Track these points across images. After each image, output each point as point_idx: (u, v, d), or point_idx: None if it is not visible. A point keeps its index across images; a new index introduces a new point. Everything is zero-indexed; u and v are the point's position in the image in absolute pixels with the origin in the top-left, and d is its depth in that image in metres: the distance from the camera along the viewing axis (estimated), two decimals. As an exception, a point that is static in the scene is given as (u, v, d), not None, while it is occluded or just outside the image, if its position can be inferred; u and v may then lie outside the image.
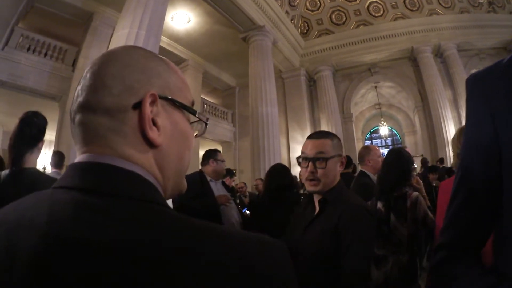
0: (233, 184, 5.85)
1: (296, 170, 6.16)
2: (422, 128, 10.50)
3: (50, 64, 6.54)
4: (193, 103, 0.46)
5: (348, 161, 3.52)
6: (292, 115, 10.56)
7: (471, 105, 0.53)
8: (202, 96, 10.54)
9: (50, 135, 1.54)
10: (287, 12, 10.08)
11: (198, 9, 7.65)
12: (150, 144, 0.38)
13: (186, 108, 0.43)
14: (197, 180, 2.44)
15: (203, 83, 10.59)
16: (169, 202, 2.39)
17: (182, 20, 8.04)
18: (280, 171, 2.42)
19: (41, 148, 1.41)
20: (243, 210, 3.31)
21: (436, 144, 9.43)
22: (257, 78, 7.80)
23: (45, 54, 6.53)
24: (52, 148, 6.43)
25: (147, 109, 0.37)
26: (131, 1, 4.86)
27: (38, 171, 1.44)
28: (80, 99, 0.38)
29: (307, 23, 11.20)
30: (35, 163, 1.41)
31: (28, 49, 6.27)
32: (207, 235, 0.31)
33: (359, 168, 2.59)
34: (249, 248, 0.32)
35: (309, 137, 1.25)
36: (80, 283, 0.26)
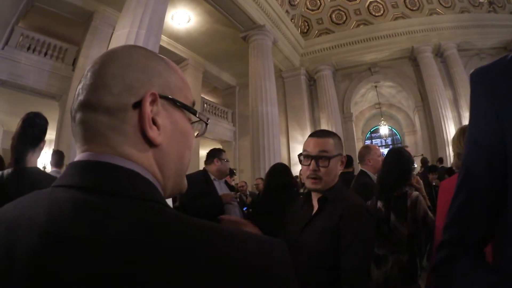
0: (233, 183, 5.85)
1: (296, 170, 6.16)
2: (422, 128, 10.50)
3: (50, 63, 6.54)
4: (193, 103, 0.46)
5: (349, 161, 3.51)
6: (292, 115, 10.55)
7: (475, 101, 0.52)
8: (202, 95, 10.54)
9: (50, 134, 1.58)
10: (287, 11, 10.07)
11: (198, 8, 7.64)
12: (150, 143, 0.38)
13: (186, 108, 0.43)
14: (202, 179, 2.45)
15: (203, 83, 10.59)
16: (169, 202, 2.39)
17: (182, 19, 8.03)
18: (280, 171, 2.42)
19: (42, 148, 1.45)
20: (243, 209, 3.32)
21: (436, 144, 9.43)
22: (257, 78, 7.80)
23: (45, 54, 6.53)
24: (52, 147, 6.43)
25: (147, 108, 0.37)
26: (131, 1, 4.86)
27: (40, 170, 1.48)
28: (80, 98, 0.38)
29: (307, 22, 11.19)
30: (36, 163, 1.44)
31: (28, 48, 6.27)
32: (207, 234, 0.31)
33: (359, 167, 2.58)
34: (249, 247, 0.32)
35: (311, 135, 1.25)
36: (79, 283, 0.26)
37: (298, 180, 3.93)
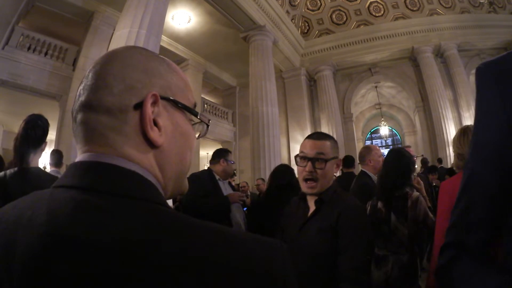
0: (233, 183, 5.85)
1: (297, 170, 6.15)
2: (422, 128, 10.50)
3: (51, 63, 6.54)
4: (195, 105, 0.46)
5: (351, 161, 3.52)
6: (293, 115, 10.56)
7: (482, 95, 0.49)
8: (202, 95, 10.55)
9: (50, 134, 1.62)
10: (287, 11, 10.07)
11: (199, 8, 7.65)
12: (151, 144, 0.38)
13: (187, 109, 0.43)
14: (207, 179, 2.45)
15: (204, 83, 10.60)
16: (169, 202, 2.39)
17: (183, 19, 8.04)
18: (283, 171, 2.43)
19: (44, 149, 1.52)
20: (244, 209, 3.31)
21: (436, 144, 9.43)
22: (257, 78, 7.80)
23: (46, 53, 6.53)
24: (52, 147, 6.43)
25: (148, 109, 0.37)
26: (131, 1, 4.86)
27: (41, 170, 1.55)
28: (82, 98, 0.38)
29: (307, 22, 11.20)
30: (38, 163, 1.51)
31: (29, 48, 6.28)
32: (208, 235, 0.31)
33: (359, 168, 2.58)
34: (250, 248, 0.32)
35: (308, 137, 1.26)
36: (79, 283, 0.26)
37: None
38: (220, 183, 2.51)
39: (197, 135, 0.47)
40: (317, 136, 1.25)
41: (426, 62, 9.95)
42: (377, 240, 1.86)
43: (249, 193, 5.91)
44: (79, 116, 0.38)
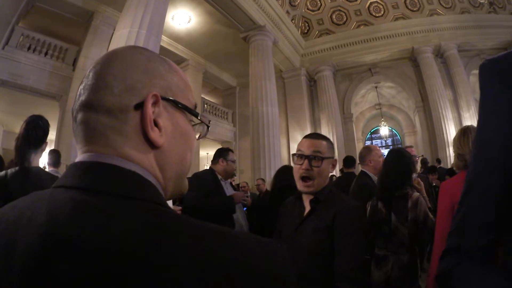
0: (233, 183, 5.85)
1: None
2: (422, 129, 10.50)
3: (51, 63, 6.54)
4: (195, 106, 0.46)
5: (351, 161, 3.56)
6: (293, 115, 10.56)
7: (486, 94, 0.47)
8: (202, 95, 10.55)
9: (50, 134, 1.67)
10: (287, 12, 10.08)
11: (199, 8, 7.65)
12: (151, 144, 0.38)
13: (188, 110, 0.43)
14: (210, 179, 2.43)
15: (204, 83, 10.60)
16: (169, 203, 2.38)
17: (183, 19, 8.04)
18: (285, 172, 2.43)
19: (44, 149, 1.55)
20: (244, 209, 3.31)
21: (436, 145, 9.44)
22: (257, 78, 7.81)
23: (46, 53, 6.54)
24: (52, 147, 6.43)
25: (149, 109, 0.37)
26: (131, 1, 4.86)
27: (42, 170, 1.58)
28: (82, 98, 0.38)
29: (307, 23, 11.20)
30: (38, 163, 1.54)
31: (29, 48, 6.28)
32: (209, 236, 0.31)
33: (359, 168, 2.58)
34: (250, 249, 0.31)
35: (305, 137, 1.29)
36: (78, 283, 0.26)
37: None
38: (222, 183, 2.50)
39: (197, 136, 0.47)
40: (313, 136, 1.28)
41: (426, 62, 9.96)
42: (378, 240, 1.86)
43: (249, 193, 5.91)
44: (79, 116, 0.38)
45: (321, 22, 11.17)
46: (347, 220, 1.10)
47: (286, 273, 0.32)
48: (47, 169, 3.64)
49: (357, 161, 2.91)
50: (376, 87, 12.02)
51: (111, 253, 0.27)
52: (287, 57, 10.15)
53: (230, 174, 2.60)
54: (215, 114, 10.94)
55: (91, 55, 6.60)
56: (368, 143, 14.69)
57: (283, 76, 10.93)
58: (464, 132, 1.51)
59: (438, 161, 7.41)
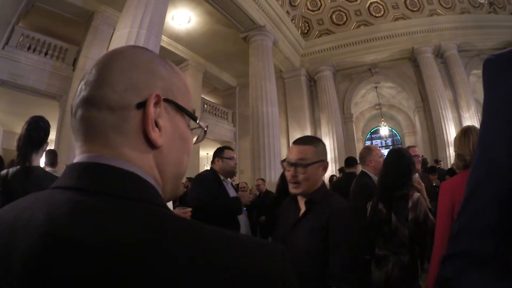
0: (233, 183, 5.85)
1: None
2: (422, 129, 10.51)
3: (51, 63, 6.54)
4: (194, 111, 0.46)
5: (352, 161, 3.61)
6: (293, 115, 10.57)
7: (490, 91, 0.45)
8: (202, 96, 10.55)
9: (50, 134, 1.72)
10: (287, 12, 10.08)
11: (199, 8, 7.65)
12: (151, 145, 0.38)
13: (187, 113, 0.43)
14: (213, 179, 2.39)
15: (204, 83, 10.60)
16: (169, 205, 2.36)
17: (183, 19, 8.05)
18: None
19: (45, 149, 1.60)
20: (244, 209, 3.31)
21: (436, 145, 9.44)
22: (257, 78, 7.81)
23: (46, 53, 6.54)
24: (52, 147, 6.44)
25: (151, 109, 0.37)
26: (131, 1, 4.87)
27: (43, 169, 1.63)
28: (84, 93, 0.38)
29: (307, 23, 11.21)
30: (39, 163, 1.59)
31: (29, 48, 6.28)
32: (209, 237, 0.31)
33: (359, 168, 2.59)
34: (249, 250, 0.31)
35: (294, 142, 1.32)
36: (79, 283, 0.26)
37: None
38: (224, 183, 2.46)
39: (194, 139, 0.48)
40: (300, 141, 1.30)
41: (426, 62, 9.97)
42: (378, 240, 1.86)
43: (253, 193, 5.93)
44: (79, 112, 0.38)
45: (321, 22, 11.18)
46: (339, 220, 1.14)
47: (286, 273, 0.32)
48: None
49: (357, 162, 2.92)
50: (376, 87, 12.03)
51: (111, 253, 0.27)
52: (287, 57, 10.15)
53: (229, 172, 2.52)
54: (215, 114, 10.95)
55: (91, 55, 6.60)
56: (368, 143, 14.70)
57: (283, 76, 10.93)
58: (465, 132, 1.51)
59: (436, 161, 7.42)
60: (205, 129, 0.48)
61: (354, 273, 1.06)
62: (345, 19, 11.11)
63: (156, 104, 0.38)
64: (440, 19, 10.17)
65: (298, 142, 1.30)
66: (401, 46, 10.32)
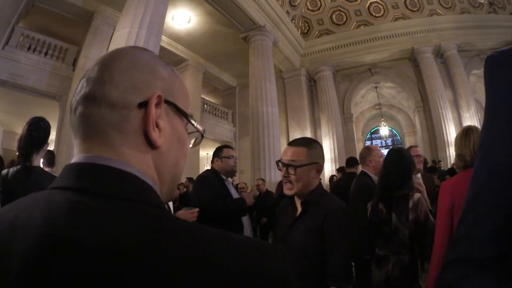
0: (232, 183, 5.85)
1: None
2: (422, 129, 10.51)
3: (51, 63, 6.54)
4: (192, 116, 0.46)
5: (353, 161, 3.62)
6: (293, 115, 10.57)
7: (492, 90, 0.43)
8: (202, 96, 10.55)
9: (50, 134, 1.75)
10: (287, 12, 10.08)
11: (199, 8, 7.65)
12: (151, 145, 0.38)
13: (186, 116, 0.43)
14: (216, 179, 2.36)
15: (204, 83, 10.60)
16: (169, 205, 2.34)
17: (183, 19, 8.05)
18: None
19: (45, 150, 1.63)
20: None
21: (436, 145, 9.45)
22: (257, 78, 7.81)
23: (46, 53, 6.54)
24: (53, 147, 6.44)
25: (153, 109, 0.38)
26: (131, 1, 4.87)
27: (43, 169, 1.66)
28: (85, 90, 0.38)
29: (307, 23, 11.21)
30: (40, 163, 1.62)
31: (29, 48, 6.28)
32: (208, 238, 0.31)
33: (359, 168, 2.59)
34: (249, 250, 0.31)
35: (289, 143, 1.35)
36: (79, 283, 0.26)
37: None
38: (226, 183, 2.44)
39: (192, 142, 0.48)
40: (295, 143, 1.32)
41: (426, 62, 9.97)
42: (378, 240, 1.86)
43: (255, 193, 5.93)
44: (79, 109, 0.38)
45: (321, 22, 11.18)
46: (335, 221, 1.16)
47: (286, 273, 0.32)
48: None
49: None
50: (376, 87, 12.03)
51: (111, 253, 0.27)
52: (287, 57, 10.15)
53: (229, 172, 2.47)
54: (215, 114, 10.95)
55: (91, 55, 6.60)
56: (368, 143, 14.70)
57: (283, 76, 10.94)
58: (466, 132, 1.51)
59: (434, 162, 7.43)
60: (202, 133, 0.48)
61: (351, 272, 1.10)
62: (345, 19, 11.11)
63: (157, 104, 0.38)
64: (440, 19, 10.17)
65: (292, 143, 1.33)
66: (401, 46, 10.32)
